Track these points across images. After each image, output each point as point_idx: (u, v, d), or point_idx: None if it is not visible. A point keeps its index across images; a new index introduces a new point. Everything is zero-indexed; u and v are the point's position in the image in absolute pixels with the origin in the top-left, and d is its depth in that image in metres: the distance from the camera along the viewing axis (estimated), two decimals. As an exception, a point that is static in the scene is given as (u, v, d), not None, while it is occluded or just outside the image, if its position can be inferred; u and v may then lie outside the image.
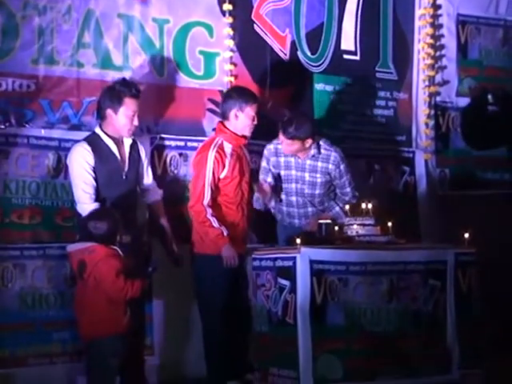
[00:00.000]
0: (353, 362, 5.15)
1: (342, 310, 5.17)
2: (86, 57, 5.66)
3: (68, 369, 5.39)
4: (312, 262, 5.14)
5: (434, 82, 7.10)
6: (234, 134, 5.62)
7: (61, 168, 5.50)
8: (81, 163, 5.23)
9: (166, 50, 5.97)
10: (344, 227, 5.62)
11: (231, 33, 6.18)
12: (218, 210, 5.53)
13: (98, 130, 5.35)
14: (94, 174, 5.22)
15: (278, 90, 6.43)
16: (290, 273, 5.16)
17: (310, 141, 5.78)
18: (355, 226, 5.56)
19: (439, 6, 7.15)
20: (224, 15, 6.18)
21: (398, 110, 6.98)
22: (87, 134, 5.51)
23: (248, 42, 6.30)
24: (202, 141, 5.90)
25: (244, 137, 5.69)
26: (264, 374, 5.33)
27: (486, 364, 5.48)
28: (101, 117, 5.37)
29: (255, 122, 5.67)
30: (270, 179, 5.95)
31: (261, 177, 5.94)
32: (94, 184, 5.22)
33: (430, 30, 7.07)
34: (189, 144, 5.96)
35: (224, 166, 5.55)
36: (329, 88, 6.65)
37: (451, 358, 5.43)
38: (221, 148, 5.57)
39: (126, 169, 5.37)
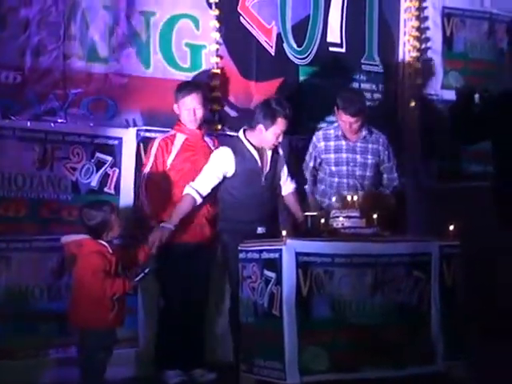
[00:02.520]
0: (338, 354, 5.16)
1: (327, 302, 5.17)
2: (73, 49, 5.67)
3: (54, 361, 5.39)
4: (298, 254, 5.14)
5: (420, 75, 7.13)
6: (185, 126, 5.73)
7: (47, 160, 5.50)
8: (217, 166, 5.61)
9: (153, 43, 5.98)
10: (330, 219, 5.65)
11: (217, 25, 6.19)
12: (163, 196, 5.61)
13: (241, 136, 5.69)
14: (219, 180, 5.61)
15: (264, 83, 6.46)
16: (275, 265, 5.17)
17: (367, 111, 6.04)
18: (341, 219, 5.56)
19: (425, -1, 7.20)
20: (210, 7, 6.20)
21: (383, 102, 7.00)
22: (73, 126, 5.55)
23: (234, 35, 6.33)
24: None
25: (199, 128, 5.75)
26: (250, 365, 5.34)
27: (471, 355, 5.51)
28: (250, 126, 5.68)
29: (196, 114, 5.67)
30: (311, 164, 6.19)
31: (306, 159, 6.20)
32: (211, 186, 5.58)
33: (415, 23, 7.11)
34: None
35: (170, 153, 5.62)
36: (314, 80, 6.66)
37: (436, 350, 5.44)
38: (170, 138, 5.68)
39: (266, 172, 5.73)
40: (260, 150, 5.74)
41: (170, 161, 5.64)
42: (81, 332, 4.87)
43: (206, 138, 5.83)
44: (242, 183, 5.66)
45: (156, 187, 5.61)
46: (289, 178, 6.00)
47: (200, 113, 5.71)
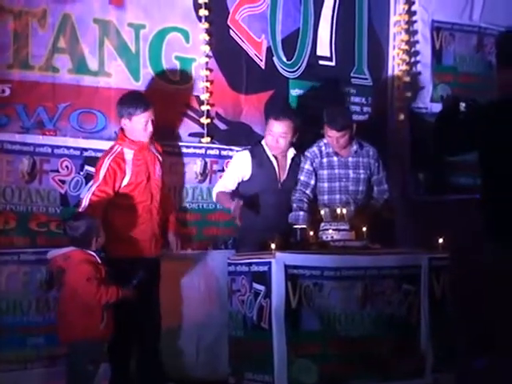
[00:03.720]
0: (327, 367, 5.17)
1: (316, 314, 5.18)
2: (62, 62, 5.64)
3: (42, 374, 5.36)
4: (287, 266, 5.15)
5: (409, 88, 7.15)
6: (131, 140, 5.51)
7: (35, 173, 5.49)
8: (235, 166, 6.01)
9: (142, 56, 5.96)
10: (319, 232, 5.65)
11: (207, 38, 6.19)
12: (123, 215, 5.41)
13: (263, 142, 6.05)
14: (238, 180, 5.98)
15: (253, 96, 6.45)
16: (264, 278, 5.18)
17: (354, 126, 6.06)
18: (330, 231, 5.58)
19: (414, 13, 7.20)
20: (200, 21, 6.19)
21: (372, 115, 7.01)
22: (62, 139, 5.54)
23: (224, 48, 6.31)
24: (177, 146, 5.98)
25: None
26: (239, 378, 5.33)
27: (460, 368, 5.51)
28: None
29: (149, 129, 5.51)
30: (313, 181, 6.08)
31: (302, 179, 6.08)
32: (231, 188, 5.99)
33: (404, 37, 7.12)
34: (164, 149, 5.94)
35: (124, 173, 5.42)
36: (304, 93, 6.67)
37: (425, 362, 5.45)
38: (119, 156, 5.44)
39: (283, 179, 6.03)
40: (278, 157, 6.01)
41: (126, 181, 5.42)
42: (70, 344, 4.87)
43: (150, 146, 5.64)
44: (258, 187, 5.89)
45: (119, 208, 5.42)
46: None
47: (151, 127, 5.52)
